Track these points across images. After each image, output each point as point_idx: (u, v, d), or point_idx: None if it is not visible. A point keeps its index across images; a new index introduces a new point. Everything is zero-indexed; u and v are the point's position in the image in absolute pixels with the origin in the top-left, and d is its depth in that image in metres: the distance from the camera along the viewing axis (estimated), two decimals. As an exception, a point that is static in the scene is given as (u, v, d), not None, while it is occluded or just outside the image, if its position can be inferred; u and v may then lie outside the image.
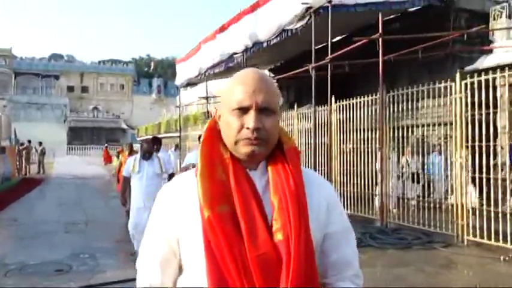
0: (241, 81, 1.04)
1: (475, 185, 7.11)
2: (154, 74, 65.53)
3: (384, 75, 7.60)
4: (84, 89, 59.64)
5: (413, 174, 8.01)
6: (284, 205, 0.99)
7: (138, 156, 5.43)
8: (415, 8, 11.06)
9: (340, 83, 10.40)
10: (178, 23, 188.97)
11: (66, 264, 5.18)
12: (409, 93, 7.04)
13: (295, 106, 10.70)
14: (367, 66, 9.46)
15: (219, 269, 0.95)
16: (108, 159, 29.93)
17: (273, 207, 1.00)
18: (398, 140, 7.49)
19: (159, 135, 29.08)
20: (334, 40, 11.82)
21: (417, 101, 7.09)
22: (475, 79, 5.89)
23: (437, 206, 6.86)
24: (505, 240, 5.44)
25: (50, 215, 9.25)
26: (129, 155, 7.48)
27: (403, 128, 7.34)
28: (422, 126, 7.68)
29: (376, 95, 7.73)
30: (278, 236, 0.97)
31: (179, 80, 18.85)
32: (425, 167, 7.81)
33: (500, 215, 5.59)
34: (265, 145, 1.02)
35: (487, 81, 5.81)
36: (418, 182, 7.83)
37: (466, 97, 6.07)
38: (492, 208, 5.94)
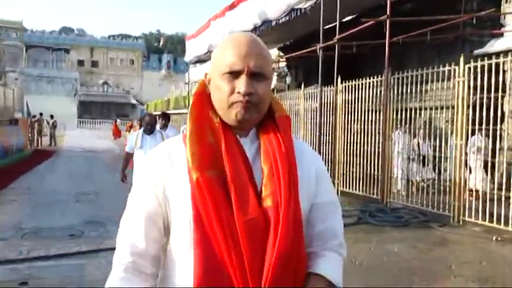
0: (232, 44, 1.00)
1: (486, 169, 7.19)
2: (164, 50, 65.34)
3: (391, 56, 7.64)
4: (94, 64, 59.83)
5: (423, 156, 8.07)
6: (275, 172, 0.98)
7: (140, 131, 5.34)
8: (426, -10, 10.92)
9: (349, 62, 10.45)
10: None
11: (78, 230, 5.49)
12: (414, 75, 7.11)
13: (302, 86, 10.80)
14: (377, 46, 9.46)
15: (205, 233, 0.93)
16: (117, 133, 30.38)
17: (263, 174, 0.98)
18: (401, 122, 7.59)
19: (168, 111, 29.40)
20: (344, 20, 11.83)
21: (421, 83, 7.14)
22: (479, 63, 5.97)
23: (443, 188, 6.95)
24: (499, 221, 5.62)
25: (61, 185, 9.59)
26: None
27: (407, 110, 7.42)
28: (427, 109, 7.73)
29: (381, 77, 7.81)
30: (267, 202, 0.96)
31: (189, 56, 18.95)
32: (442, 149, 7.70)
33: (495, 197, 5.75)
34: (256, 111, 1.00)
35: (491, 65, 5.87)
36: (428, 165, 7.94)
37: (469, 81, 6.15)
38: (489, 190, 6.08)
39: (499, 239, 5.36)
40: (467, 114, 6.17)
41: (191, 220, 0.95)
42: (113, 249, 3.57)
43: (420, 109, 7.50)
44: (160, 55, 63.66)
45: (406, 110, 7.44)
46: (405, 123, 7.51)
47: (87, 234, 5.34)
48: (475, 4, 11.52)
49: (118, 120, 35.57)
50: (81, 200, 7.80)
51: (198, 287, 0.91)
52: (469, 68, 6.12)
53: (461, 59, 6.26)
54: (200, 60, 19.13)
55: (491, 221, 5.71)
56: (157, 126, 5.82)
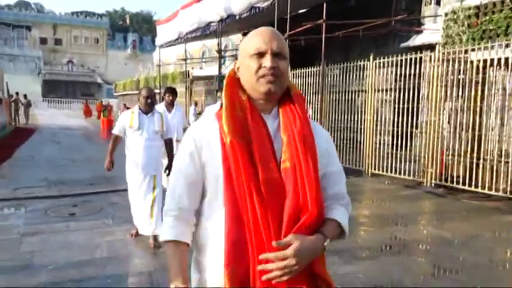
0: (258, 33, 1.27)
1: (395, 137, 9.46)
2: (130, 29, 65.18)
3: (326, 52, 9.85)
4: (58, 42, 59.12)
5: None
6: (292, 140, 1.20)
7: (136, 109, 4.34)
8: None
9: (306, 51, 12.56)
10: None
11: (93, 181, 7.49)
12: (341, 67, 9.42)
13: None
14: (327, 39, 11.50)
15: (234, 191, 1.17)
16: (88, 112, 31.49)
17: (283, 142, 1.22)
18: (334, 102, 9.86)
19: (137, 92, 30.21)
20: (301, 11, 13.95)
21: (361, 70, 9.15)
22: (381, 60, 8.34)
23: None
24: (392, 171, 8.12)
25: (57, 154, 11.39)
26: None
27: (349, 92, 9.55)
28: (363, 91, 9.92)
29: (319, 67, 10.07)
30: (286, 164, 1.19)
31: (160, 41, 20.50)
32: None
33: (399, 155, 8.23)
34: (279, 83, 1.24)
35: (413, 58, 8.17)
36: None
37: (376, 72, 8.51)
38: (389, 150, 8.54)
39: (389, 182, 7.83)
40: (374, 97, 8.54)
41: (222, 180, 1.19)
42: (124, 190, 5.83)
43: (359, 91, 9.71)
44: (126, 34, 63.58)
45: (349, 92, 9.54)
46: (347, 103, 9.62)
47: (100, 183, 7.34)
48: (403, 4, 13.96)
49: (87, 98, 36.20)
50: (82, 164, 9.70)
51: (229, 237, 1.16)
52: (375, 64, 8.47)
53: (371, 57, 8.59)
54: (171, 45, 20.72)
55: (389, 171, 8.20)
56: (162, 105, 5.74)
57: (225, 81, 1.31)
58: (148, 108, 4.32)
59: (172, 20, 18.51)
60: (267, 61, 1.22)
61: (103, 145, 15.04)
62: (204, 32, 16.28)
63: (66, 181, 7.49)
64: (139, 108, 4.33)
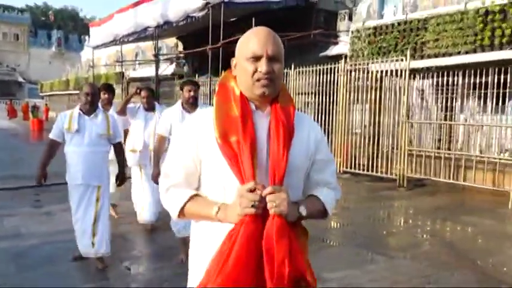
0: (255, 35, 1.31)
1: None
2: (54, 26, 62.19)
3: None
4: (-29, 37, 54.97)
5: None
6: (278, 129, 1.30)
7: (76, 110, 3.76)
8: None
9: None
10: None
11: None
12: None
13: (197, 75, 14.04)
14: None
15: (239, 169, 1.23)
16: (12, 113, 30.24)
17: (270, 131, 1.31)
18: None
19: (67, 92, 29.47)
20: (233, 19, 15.22)
21: (286, 77, 10.66)
22: (300, 69, 9.92)
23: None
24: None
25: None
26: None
27: None
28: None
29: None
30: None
31: (94, 42, 20.68)
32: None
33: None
34: (273, 86, 1.30)
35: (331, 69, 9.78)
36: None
37: (297, 78, 10.07)
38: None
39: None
40: (297, 99, 10.11)
41: (223, 170, 1.27)
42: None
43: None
44: (50, 31, 60.55)
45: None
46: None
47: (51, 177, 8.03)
48: (322, 18, 15.84)
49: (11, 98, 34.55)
50: (24, 162, 10.11)
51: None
52: (295, 72, 10.04)
53: (292, 66, 10.14)
54: (106, 47, 20.96)
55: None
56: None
57: (220, 80, 1.40)
58: (89, 107, 3.72)
59: (107, 23, 18.91)
60: (262, 66, 1.27)
61: (39, 145, 15.25)
62: (140, 35, 16.97)
63: (19, 176, 8.05)
64: (80, 108, 3.73)
